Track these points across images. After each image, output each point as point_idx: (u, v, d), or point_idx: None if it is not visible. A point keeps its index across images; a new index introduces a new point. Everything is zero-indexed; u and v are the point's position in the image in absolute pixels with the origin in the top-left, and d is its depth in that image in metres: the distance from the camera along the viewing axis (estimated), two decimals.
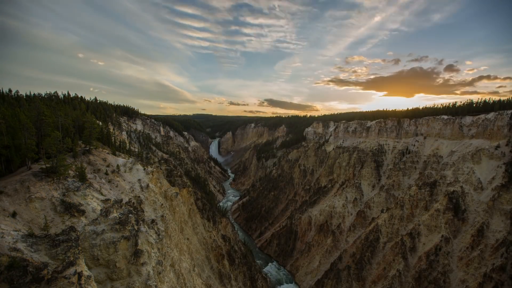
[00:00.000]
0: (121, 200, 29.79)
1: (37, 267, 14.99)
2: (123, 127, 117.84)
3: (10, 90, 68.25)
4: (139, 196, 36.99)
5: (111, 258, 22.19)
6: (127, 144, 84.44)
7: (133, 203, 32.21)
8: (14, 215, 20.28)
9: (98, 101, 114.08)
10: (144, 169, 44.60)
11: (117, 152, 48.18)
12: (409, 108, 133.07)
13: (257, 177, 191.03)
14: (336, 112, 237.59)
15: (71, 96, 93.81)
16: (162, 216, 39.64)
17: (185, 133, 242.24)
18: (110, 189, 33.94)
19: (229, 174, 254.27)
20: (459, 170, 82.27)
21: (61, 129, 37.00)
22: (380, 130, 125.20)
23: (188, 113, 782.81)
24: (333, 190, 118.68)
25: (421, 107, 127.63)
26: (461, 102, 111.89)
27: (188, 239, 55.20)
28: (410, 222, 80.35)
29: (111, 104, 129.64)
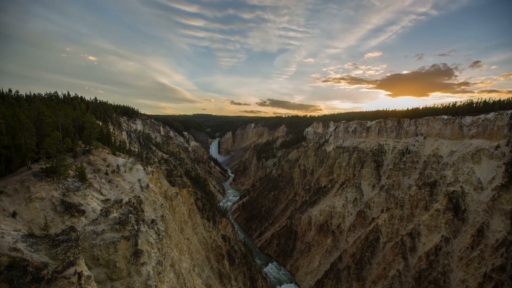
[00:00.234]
0: (121, 200, 29.79)
1: (37, 267, 14.99)
2: (123, 127, 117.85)
3: (10, 90, 68.28)
4: (139, 196, 36.99)
5: (111, 258, 22.19)
6: (127, 144, 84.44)
7: (133, 203, 32.21)
8: (14, 215, 20.28)
9: (98, 101, 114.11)
10: (144, 169, 44.60)
11: (117, 152, 48.18)
12: (409, 108, 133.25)
13: (257, 177, 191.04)
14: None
15: (71, 96, 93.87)
16: (162, 216, 39.64)
17: (185, 133, 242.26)
18: (110, 189, 33.94)
19: (229, 174, 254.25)
20: (459, 170, 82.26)
21: (61, 129, 37.00)
22: (380, 130, 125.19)
23: (188, 113, 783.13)
24: (333, 190, 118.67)
25: (421, 107, 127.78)
26: (461, 102, 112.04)
27: (188, 239, 55.20)
28: (410, 222, 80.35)
29: (111, 104, 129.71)
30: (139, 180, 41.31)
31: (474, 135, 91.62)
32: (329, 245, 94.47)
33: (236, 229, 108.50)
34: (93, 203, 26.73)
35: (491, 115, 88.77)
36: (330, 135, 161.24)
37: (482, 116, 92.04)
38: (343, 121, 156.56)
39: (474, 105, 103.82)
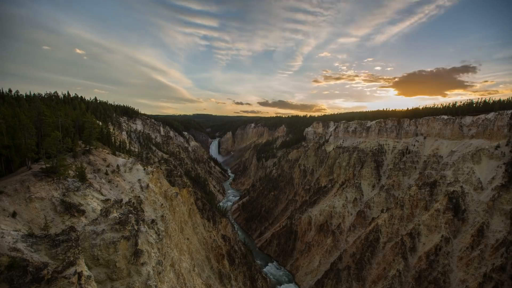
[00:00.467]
0: (121, 200, 29.79)
1: (37, 267, 14.99)
2: (123, 127, 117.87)
3: (10, 90, 68.27)
4: (139, 196, 36.99)
5: (111, 258, 22.18)
6: (127, 144, 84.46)
7: (133, 203, 32.21)
8: (14, 215, 20.27)
9: (98, 101, 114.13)
10: (144, 169, 44.60)
11: (117, 152, 48.21)
12: (409, 108, 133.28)
13: (257, 177, 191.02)
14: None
15: (71, 96, 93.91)
16: (162, 216, 39.64)
17: (185, 133, 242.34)
18: (110, 189, 33.94)
19: (229, 174, 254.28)
20: (459, 170, 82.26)
21: (61, 129, 36.98)
22: (380, 130, 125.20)
23: (188, 113, 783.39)
24: (333, 190, 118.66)
25: (421, 107, 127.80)
26: (461, 102, 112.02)
27: (188, 239, 55.20)
28: (410, 222, 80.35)
29: (111, 104, 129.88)
30: (139, 180, 41.32)
31: (474, 135, 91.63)
32: (329, 245, 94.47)
33: (236, 229, 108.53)
34: (93, 203, 26.73)
35: (491, 115, 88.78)
36: (330, 135, 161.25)
37: (482, 116, 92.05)
38: (343, 121, 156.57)
39: (474, 105, 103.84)
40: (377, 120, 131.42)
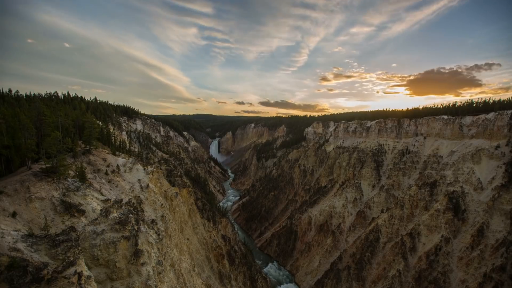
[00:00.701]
0: (121, 200, 29.79)
1: (37, 267, 14.99)
2: (123, 127, 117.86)
3: (10, 90, 68.29)
4: (139, 196, 36.98)
5: (111, 258, 22.18)
6: (127, 144, 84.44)
7: (133, 203, 32.21)
8: (14, 215, 20.27)
9: (98, 101, 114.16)
10: (144, 169, 44.59)
11: (117, 152, 48.20)
12: (409, 108, 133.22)
13: (257, 177, 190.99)
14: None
15: (71, 96, 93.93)
16: (162, 216, 39.63)
17: (185, 133, 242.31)
18: (110, 189, 33.94)
19: (229, 174, 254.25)
20: (459, 170, 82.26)
21: (61, 129, 36.98)
22: (380, 130, 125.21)
23: (188, 113, 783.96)
24: (333, 190, 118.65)
25: (421, 107, 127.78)
26: (461, 102, 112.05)
27: (188, 239, 55.20)
28: (410, 222, 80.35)
29: (111, 104, 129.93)
30: (139, 180, 41.31)
31: (474, 135, 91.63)
32: (329, 245, 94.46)
33: (236, 229, 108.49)
34: (93, 203, 26.73)
35: (491, 115, 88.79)
36: (330, 135, 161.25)
37: (482, 116, 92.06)
38: (343, 121, 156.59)
39: (474, 105, 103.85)
40: (377, 120, 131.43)
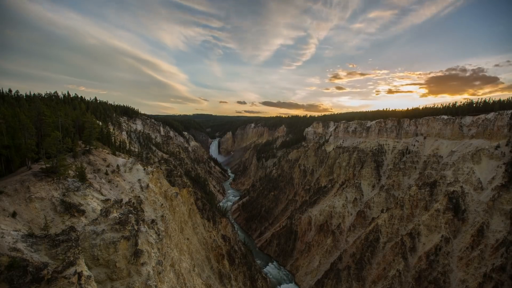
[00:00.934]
0: (121, 200, 29.79)
1: (37, 267, 14.99)
2: (123, 127, 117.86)
3: (10, 90, 68.28)
4: (139, 196, 36.98)
5: (111, 258, 22.18)
6: (127, 144, 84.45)
7: (133, 203, 32.21)
8: (14, 215, 20.27)
9: (98, 101, 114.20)
10: (144, 169, 44.59)
11: (117, 152, 48.19)
12: (408, 108, 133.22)
13: (257, 177, 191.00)
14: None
15: (71, 96, 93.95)
16: (162, 216, 39.63)
17: (185, 133, 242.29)
18: (110, 189, 33.94)
19: (229, 174, 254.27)
20: (459, 170, 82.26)
21: (61, 129, 36.98)
22: (380, 130, 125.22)
23: (188, 113, 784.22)
24: (333, 190, 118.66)
25: (421, 107, 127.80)
26: (461, 102, 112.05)
27: (188, 239, 55.20)
28: (410, 222, 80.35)
29: (111, 104, 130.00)
30: (139, 180, 41.31)
31: (474, 135, 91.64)
32: (329, 245, 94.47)
33: (236, 229, 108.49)
34: (93, 203, 26.73)
35: (491, 115, 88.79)
36: (330, 135, 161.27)
37: (482, 116, 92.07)
38: (343, 121, 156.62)
39: (474, 105, 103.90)
40: (377, 120, 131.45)
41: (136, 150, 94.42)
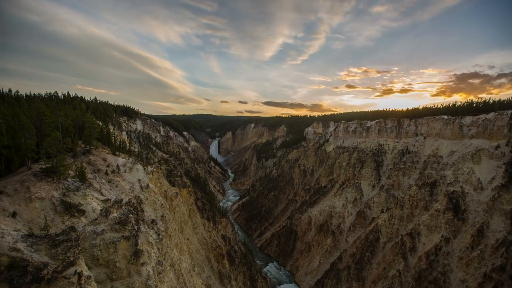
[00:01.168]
0: (121, 200, 29.78)
1: (37, 267, 14.98)
2: (123, 127, 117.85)
3: (10, 90, 68.27)
4: (139, 196, 36.98)
5: (111, 258, 22.17)
6: (127, 144, 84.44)
7: (133, 203, 32.20)
8: (14, 215, 20.27)
9: (98, 101, 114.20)
10: (144, 169, 44.58)
11: (117, 152, 48.18)
12: (408, 108, 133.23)
13: (257, 177, 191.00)
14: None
15: (71, 96, 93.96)
16: (162, 216, 39.63)
17: (185, 133, 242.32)
18: (110, 189, 33.93)
19: (229, 174, 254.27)
20: (459, 170, 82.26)
21: (61, 129, 36.97)
22: (380, 130, 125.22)
23: (188, 113, 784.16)
24: (333, 190, 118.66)
25: (420, 107, 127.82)
26: (461, 102, 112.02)
27: (188, 239, 55.20)
28: (410, 222, 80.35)
29: (111, 104, 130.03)
30: (139, 180, 41.30)
31: (474, 135, 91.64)
32: (329, 245, 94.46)
33: (236, 229, 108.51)
34: (93, 203, 26.73)
35: (491, 115, 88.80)
36: (330, 135, 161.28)
37: (482, 116, 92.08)
38: (343, 121, 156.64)
39: (474, 105, 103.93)
40: (377, 120, 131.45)
41: (136, 150, 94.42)
